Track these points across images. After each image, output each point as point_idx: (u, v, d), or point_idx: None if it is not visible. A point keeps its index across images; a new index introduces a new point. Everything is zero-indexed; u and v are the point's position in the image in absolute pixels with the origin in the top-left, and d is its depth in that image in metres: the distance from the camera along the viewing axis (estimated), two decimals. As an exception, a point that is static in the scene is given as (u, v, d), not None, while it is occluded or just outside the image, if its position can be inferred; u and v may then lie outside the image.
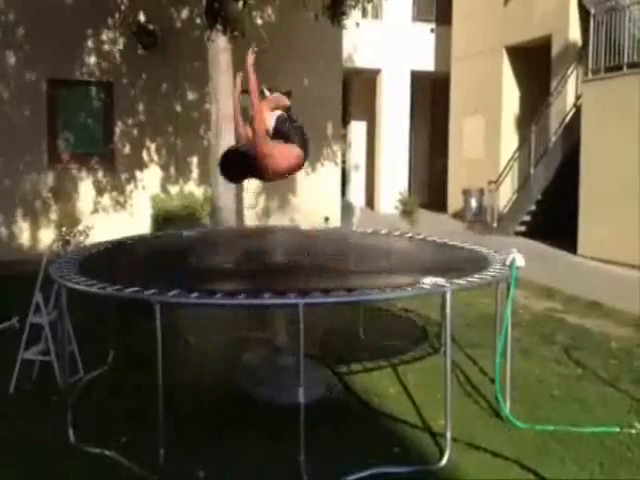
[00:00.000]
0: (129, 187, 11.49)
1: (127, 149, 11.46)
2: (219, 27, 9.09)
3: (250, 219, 11.94)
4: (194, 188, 11.67)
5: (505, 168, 14.27)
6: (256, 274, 4.84)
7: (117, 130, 11.39)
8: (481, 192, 14.78)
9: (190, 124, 11.63)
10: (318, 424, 3.90)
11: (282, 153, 4.29)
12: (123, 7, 10.99)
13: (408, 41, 17.31)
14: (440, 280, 3.98)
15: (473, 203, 14.89)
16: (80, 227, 10.53)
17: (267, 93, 4.77)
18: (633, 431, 4.28)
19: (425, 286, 3.93)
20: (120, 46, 11.25)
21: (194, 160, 11.74)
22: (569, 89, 12.97)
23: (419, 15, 17.85)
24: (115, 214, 11.34)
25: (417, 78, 17.92)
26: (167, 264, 5.13)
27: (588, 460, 3.91)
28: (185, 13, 11.50)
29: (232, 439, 4.14)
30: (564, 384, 5.18)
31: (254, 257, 5.58)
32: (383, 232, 6.49)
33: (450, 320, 4.07)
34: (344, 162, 17.40)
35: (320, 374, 5.21)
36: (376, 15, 17.18)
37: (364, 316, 6.33)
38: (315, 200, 12.29)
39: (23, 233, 10.91)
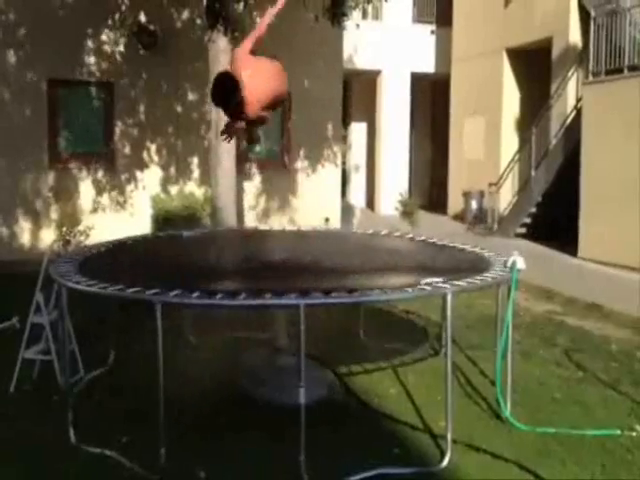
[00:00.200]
0: (129, 187, 11.49)
1: (127, 149, 11.45)
2: (220, 28, 9.11)
3: (250, 220, 11.94)
4: (194, 188, 11.66)
5: (505, 170, 14.27)
6: (257, 274, 4.84)
7: (117, 130, 11.38)
8: (481, 194, 14.78)
9: (190, 124, 11.62)
10: (318, 425, 3.89)
11: (262, 67, 4.18)
12: (123, 7, 11.01)
13: (408, 42, 17.31)
14: (441, 281, 3.98)
15: (474, 205, 14.88)
16: (80, 227, 10.54)
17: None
18: (634, 434, 4.29)
19: (426, 287, 3.93)
20: (121, 46, 11.23)
21: (194, 160, 11.74)
22: (570, 91, 12.98)
23: (419, 17, 17.87)
24: (115, 214, 11.32)
25: (417, 80, 17.92)
26: (168, 264, 5.12)
27: (589, 462, 3.91)
28: (186, 14, 11.49)
29: (233, 439, 4.14)
30: (565, 386, 5.19)
31: (254, 257, 5.57)
32: (383, 233, 6.48)
33: (451, 322, 4.07)
34: (344, 163, 17.39)
35: (321, 375, 5.21)
36: (376, 16, 17.20)
37: (365, 317, 6.33)
38: (315, 201, 12.28)
39: (24, 233, 10.90)
